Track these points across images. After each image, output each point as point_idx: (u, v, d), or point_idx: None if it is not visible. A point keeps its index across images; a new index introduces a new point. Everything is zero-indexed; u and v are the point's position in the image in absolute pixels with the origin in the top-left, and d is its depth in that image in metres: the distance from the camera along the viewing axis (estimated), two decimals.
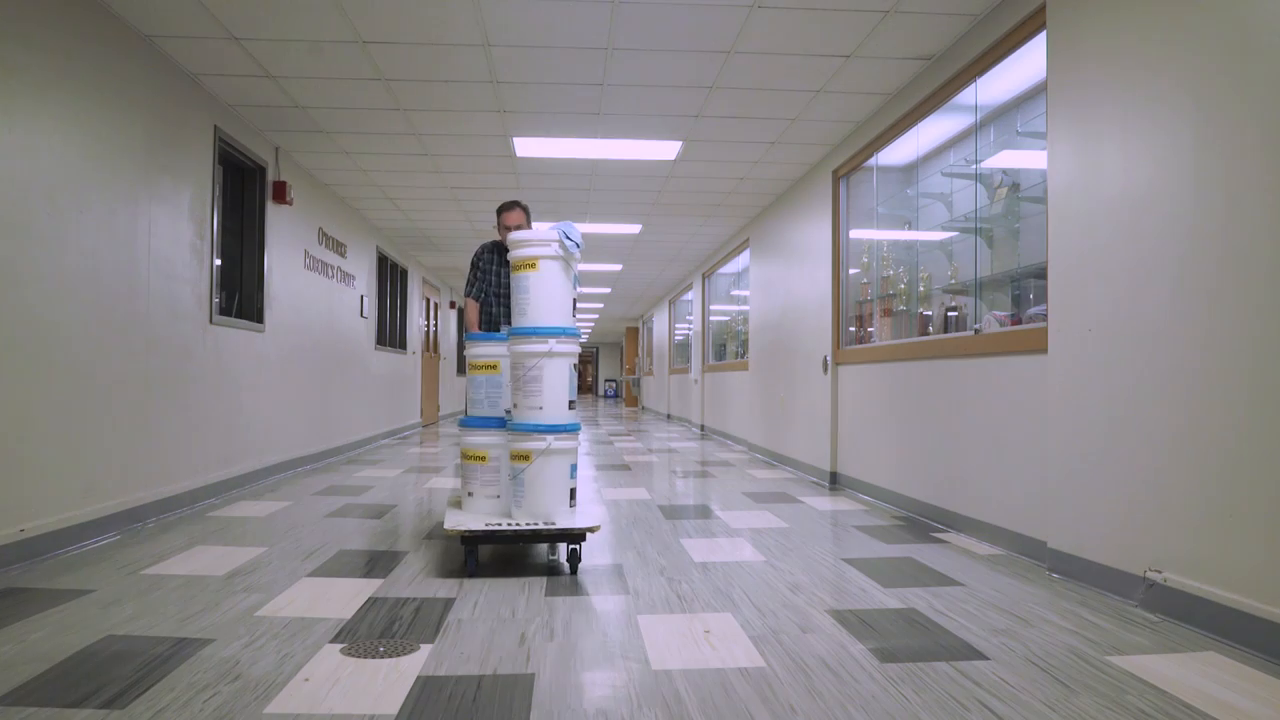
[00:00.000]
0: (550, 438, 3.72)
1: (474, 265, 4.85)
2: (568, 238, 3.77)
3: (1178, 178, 2.99)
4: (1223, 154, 2.79)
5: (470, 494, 4.00)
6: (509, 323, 4.72)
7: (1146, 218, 3.14)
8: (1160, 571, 3.04)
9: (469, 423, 4.03)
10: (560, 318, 3.82)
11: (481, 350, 4.15)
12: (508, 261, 4.65)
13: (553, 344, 3.75)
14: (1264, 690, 2.33)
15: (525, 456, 3.73)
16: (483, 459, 3.95)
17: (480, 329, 4.83)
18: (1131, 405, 3.21)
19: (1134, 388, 3.19)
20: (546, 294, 3.80)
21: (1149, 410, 3.11)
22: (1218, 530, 2.80)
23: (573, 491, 3.82)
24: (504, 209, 4.76)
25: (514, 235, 3.86)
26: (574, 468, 3.84)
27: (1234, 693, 2.31)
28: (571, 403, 3.83)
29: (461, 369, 18.32)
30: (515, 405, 3.82)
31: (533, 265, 3.79)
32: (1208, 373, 2.84)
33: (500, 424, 3.98)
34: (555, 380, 3.77)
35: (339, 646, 2.67)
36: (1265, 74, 2.62)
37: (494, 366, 4.12)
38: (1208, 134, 2.85)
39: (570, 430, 3.78)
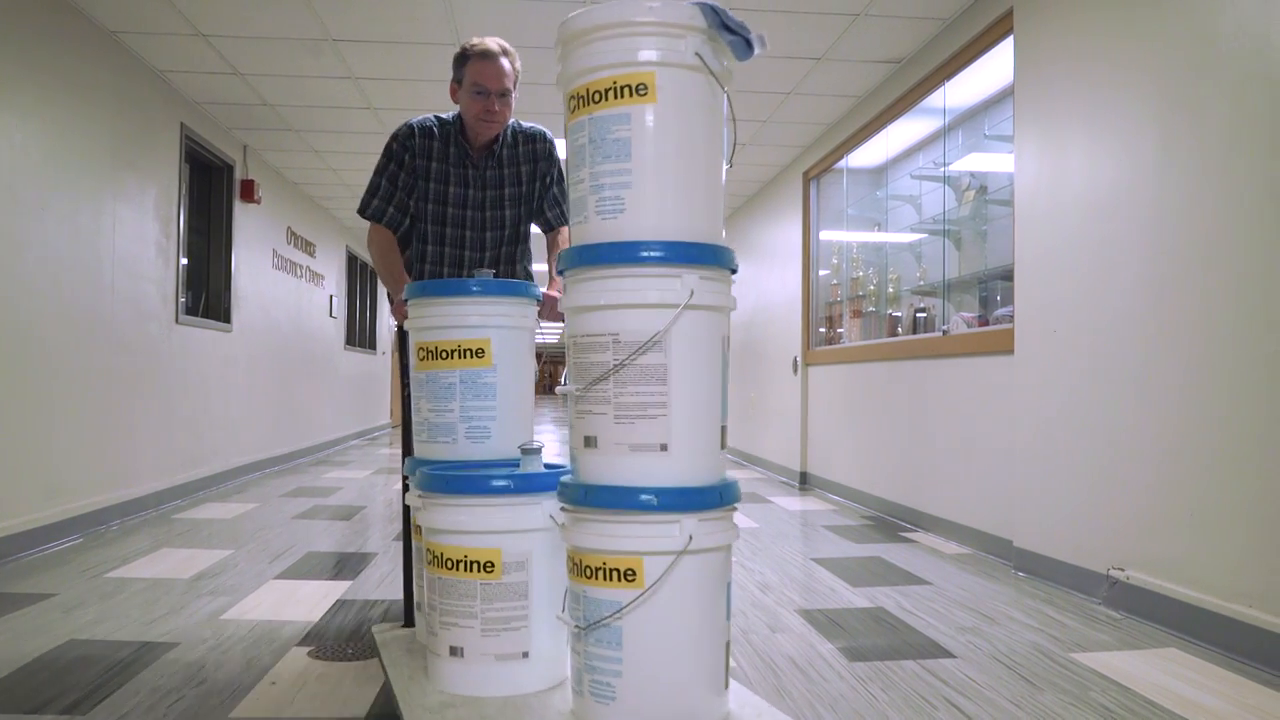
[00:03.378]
0: (689, 521, 1.57)
1: (387, 157, 2.55)
2: (726, 26, 1.61)
3: (1142, 178, 3.04)
4: (1187, 154, 2.84)
5: (456, 651, 1.85)
6: (458, 262, 2.63)
7: (1110, 219, 3.19)
8: (1123, 569, 3.09)
9: (434, 482, 1.87)
10: (706, 220, 1.66)
11: (442, 315, 2.08)
12: (467, 157, 2.57)
13: (695, 283, 1.59)
14: (1224, 686, 2.38)
15: (628, 575, 1.57)
16: (491, 569, 1.82)
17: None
18: (1094, 405, 3.26)
19: (1097, 388, 3.25)
20: (672, 161, 1.61)
21: (1112, 410, 3.16)
22: (1179, 528, 2.85)
23: (728, 648, 1.69)
24: (474, 55, 2.46)
25: (585, 13, 1.62)
26: (729, 590, 1.69)
27: (1195, 688, 2.36)
28: (723, 430, 1.68)
29: None
30: (587, 440, 1.65)
31: (644, 90, 1.57)
32: (1169, 373, 2.89)
33: (514, 485, 1.83)
34: (694, 376, 1.61)
35: (306, 649, 2.65)
36: (1229, 75, 2.68)
37: (480, 351, 2.05)
38: (1173, 134, 2.90)
39: (728, 502, 1.65)
